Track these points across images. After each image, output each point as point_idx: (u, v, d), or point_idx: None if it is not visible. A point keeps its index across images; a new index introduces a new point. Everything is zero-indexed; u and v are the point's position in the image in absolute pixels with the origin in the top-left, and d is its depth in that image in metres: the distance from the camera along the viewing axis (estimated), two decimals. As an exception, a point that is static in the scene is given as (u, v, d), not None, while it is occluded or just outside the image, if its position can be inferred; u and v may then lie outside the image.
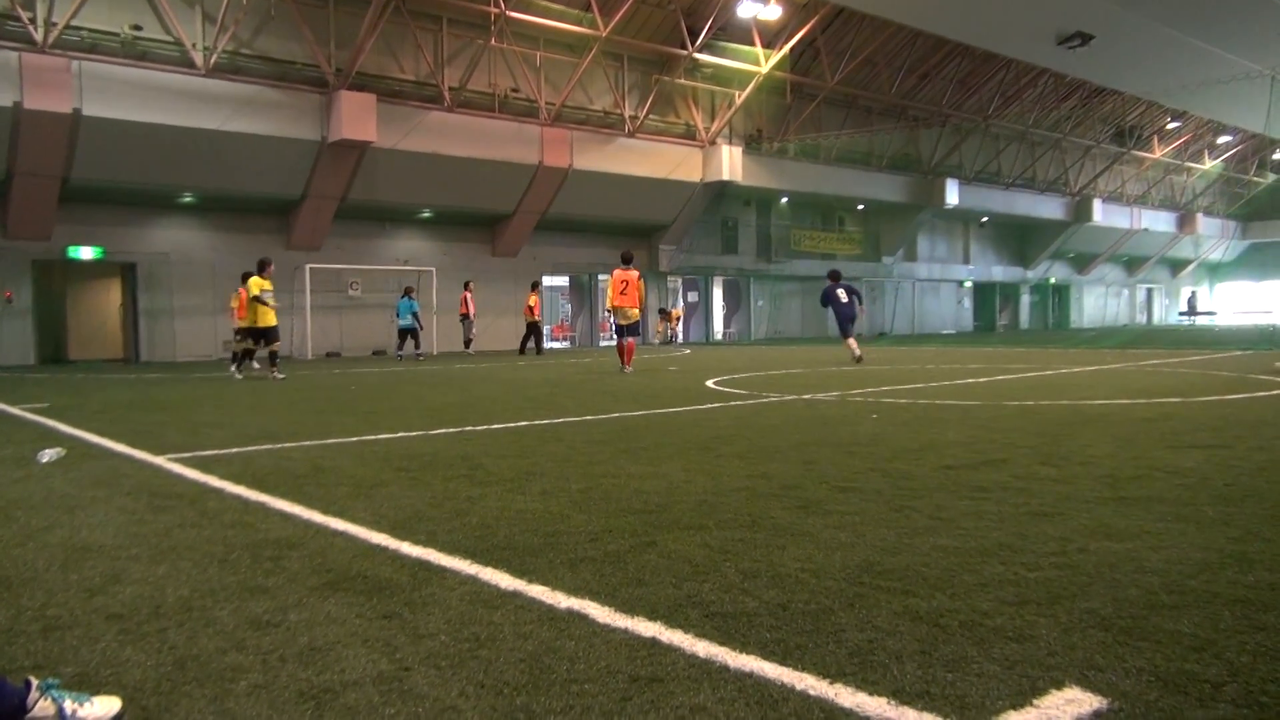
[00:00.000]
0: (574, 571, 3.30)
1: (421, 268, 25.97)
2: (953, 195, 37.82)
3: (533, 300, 23.54)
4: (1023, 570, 3.23)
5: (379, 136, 22.32)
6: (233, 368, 15.74)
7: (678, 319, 33.22)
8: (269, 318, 15.07)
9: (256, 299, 14.93)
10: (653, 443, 6.49)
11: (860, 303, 17.02)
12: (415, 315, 21.59)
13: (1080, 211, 44.91)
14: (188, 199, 22.88)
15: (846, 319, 16.64)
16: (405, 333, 21.59)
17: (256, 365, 17.38)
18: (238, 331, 17.12)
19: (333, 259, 24.58)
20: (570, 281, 24.22)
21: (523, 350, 23.77)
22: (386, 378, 14.85)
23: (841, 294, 16.76)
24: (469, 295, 24.13)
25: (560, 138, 26.41)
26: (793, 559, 3.41)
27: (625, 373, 15.12)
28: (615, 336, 15.82)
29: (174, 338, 23.07)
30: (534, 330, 23.65)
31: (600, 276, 31.75)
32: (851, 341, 16.72)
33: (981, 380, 12.21)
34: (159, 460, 6.02)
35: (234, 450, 6.46)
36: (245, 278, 15.79)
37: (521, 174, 25.90)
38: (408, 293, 21.86)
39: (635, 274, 15.71)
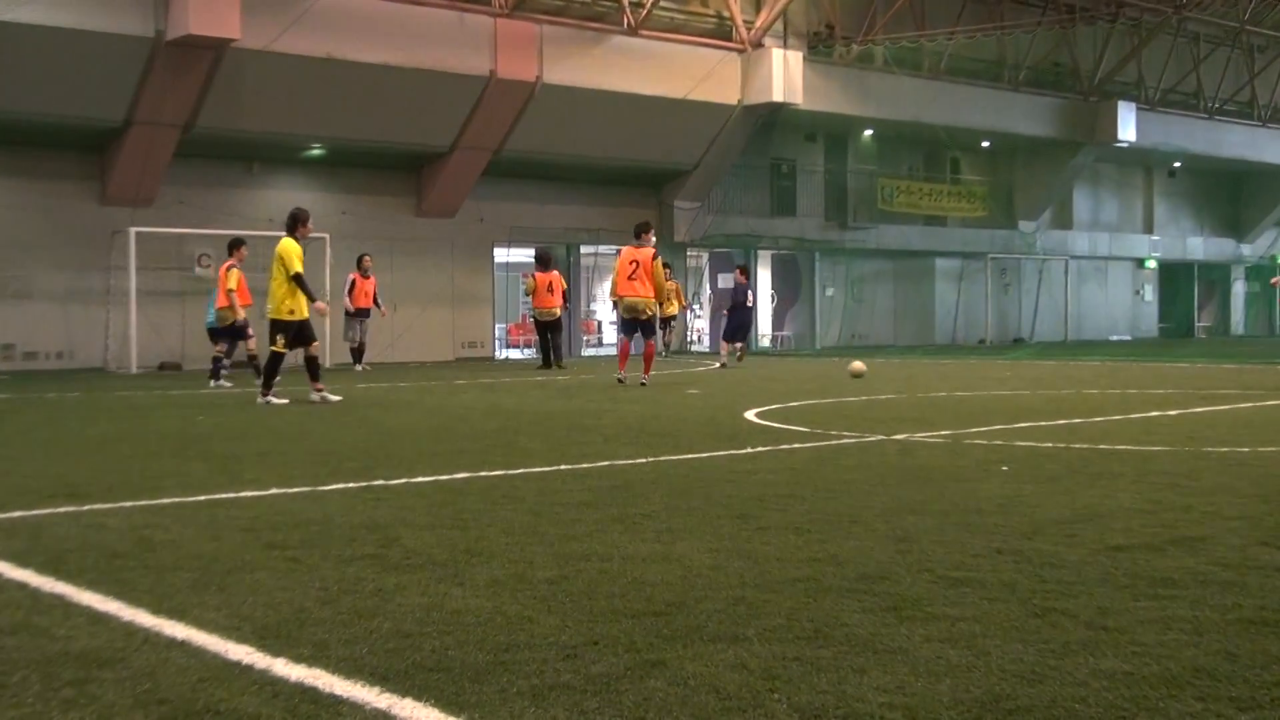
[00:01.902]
0: (539, 706, 3.29)
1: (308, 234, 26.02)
2: (1128, 128, 37.97)
3: (542, 282, 23.58)
4: (1232, 710, 3.22)
5: (244, 32, 22.44)
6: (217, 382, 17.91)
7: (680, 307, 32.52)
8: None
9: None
10: (662, 507, 6.48)
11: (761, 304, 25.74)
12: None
13: (1324, 153, 45.04)
14: (-53, 128, 23.00)
15: (745, 325, 25.05)
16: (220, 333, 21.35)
17: (227, 383, 18.53)
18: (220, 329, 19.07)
19: (171, 220, 24.67)
20: (538, 255, 24.26)
21: (548, 361, 23.90)
22: (251, 400, 14.85)
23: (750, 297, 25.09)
24: (358, 277, 24.18)
25: (524, 36, 26.56)
26: (876, 689, 3.39)
27: (625, 382, 16.61)
28: (619, 334, 17.23)
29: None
30: (552, 330, 23.99)
31: (587, 250, 31.87)
32: (734, 346, 24.48)
33: (1171, 413, 12.21)
34: (-98, 528, 6.02)
35: (17, 514, 6.44)
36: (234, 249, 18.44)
37: (463, 91, 26.03)
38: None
39: (650, 253, 17.10)
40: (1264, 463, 8.21)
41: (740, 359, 25.42)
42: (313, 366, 14.78)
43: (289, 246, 14.40)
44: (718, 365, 24.18)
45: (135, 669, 3.65)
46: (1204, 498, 6.63)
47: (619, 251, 15.88)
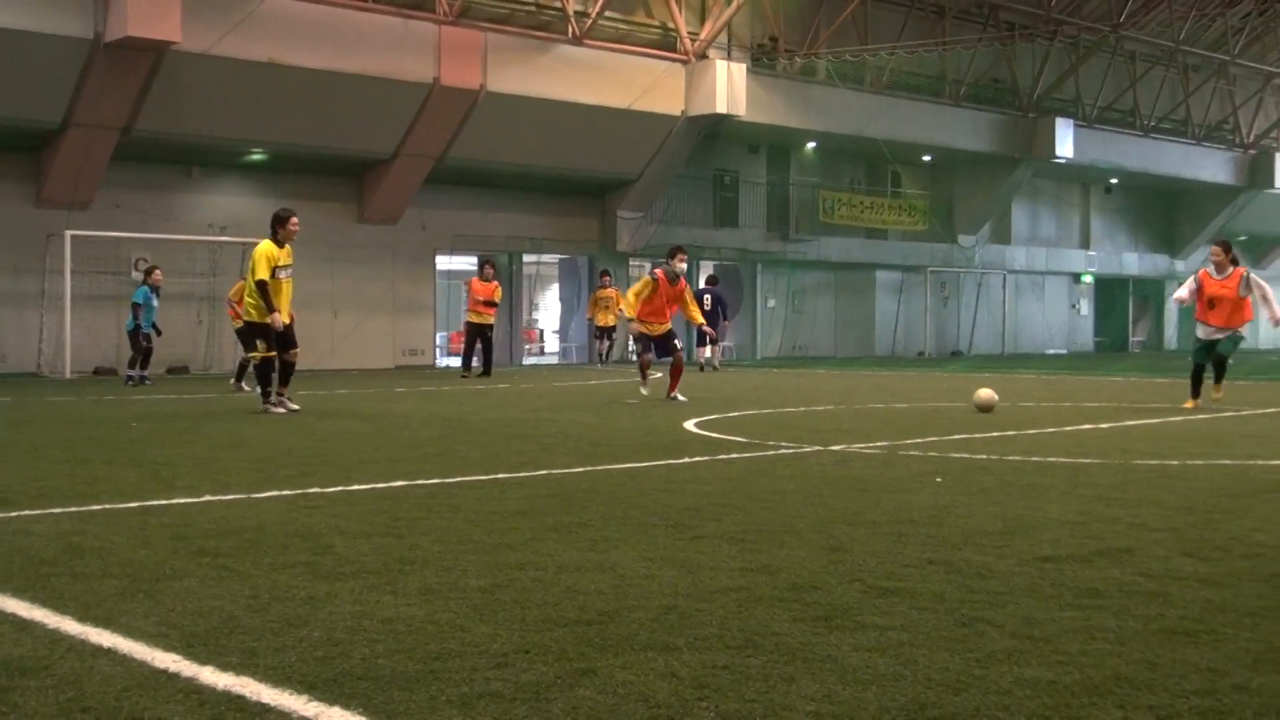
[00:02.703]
0: (468, 715, 3.28)
1: (249, 239, 25.80)
2: (1065, 144, 38.48)
3: (483, 289, 23.53)
4: (1151, 718, 3.28)
5: (185, 35, 22.24)
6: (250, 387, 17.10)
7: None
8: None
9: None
10: (598, 516, 6.50)
11: (725, 315, 27.30)
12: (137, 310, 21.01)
13: (1256, 172, 45.95)
14: (-121, 125, 22.63)
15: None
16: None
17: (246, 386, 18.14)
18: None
19: (108, 223, 24.39)
20: (481, 264, 24.23)
21: (468, 365, 23.88)
22: (190, 408, 14.71)
23: (708, 300, 25.60)
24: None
25: (468, 43, 26.52)
26: (804, 698, 3.42)
27: (673, 399, 15.83)
28: (639, 350, 16.76)
29: None
30: (482, 336, 23.77)
31: (530, 259, 31.83)
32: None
33: (1103, 426, 12.38)
34: None
35: (-57, 520, 6.36)
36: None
37: (407, 98, 25.95)
38: (148, 276, 21.44)
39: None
40: (1191, 476, 8.35)
41: (716, 366, 27.23)
42: (286, 373, 14.44)
43: (261, 250, 14.01)
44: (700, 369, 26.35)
45: (59, 677, 3.61)
46: (1131, 510, 6.73)
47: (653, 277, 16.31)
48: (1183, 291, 15.31)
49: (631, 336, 16.54)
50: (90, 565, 5.18)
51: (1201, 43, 41.64)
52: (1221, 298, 14.70)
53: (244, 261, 25.35)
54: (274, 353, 14.03)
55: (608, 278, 29.55)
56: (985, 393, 13.98)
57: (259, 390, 14.52)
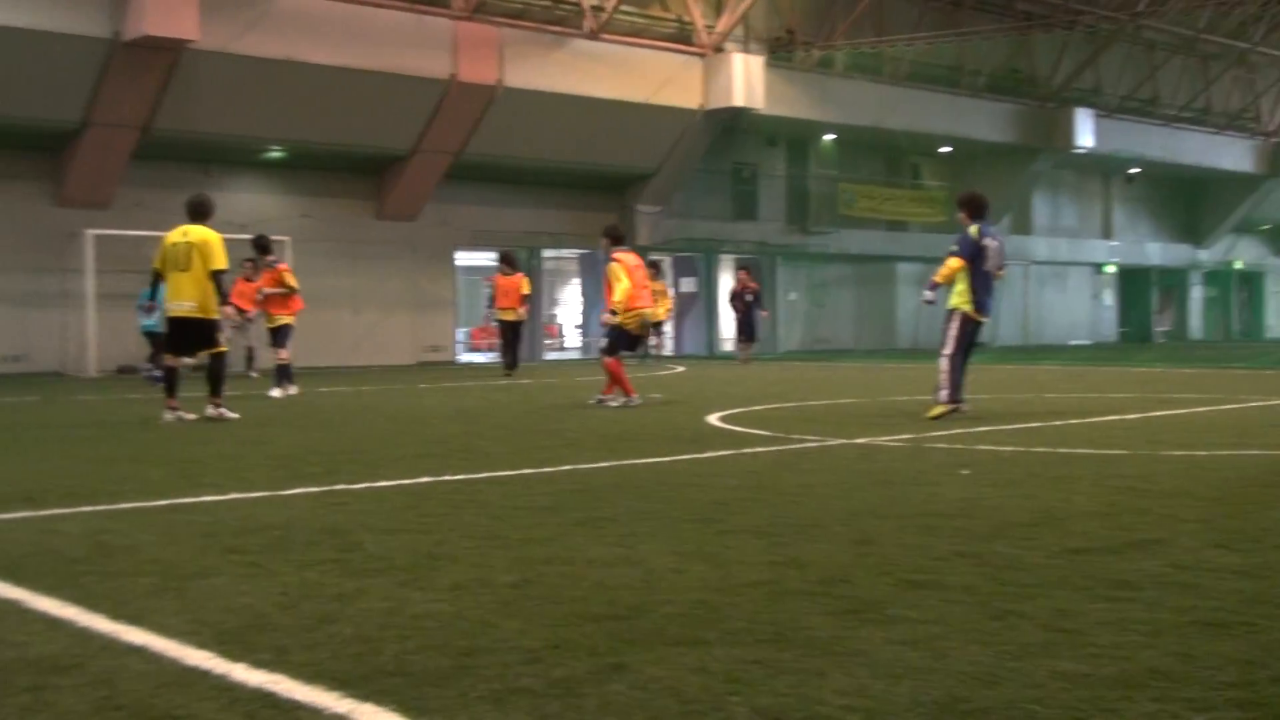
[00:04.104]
0: (500, 710, 3.28)
1: (269, 237, 25.85)
2: (1086, 134, 38.33)
3: (510, 283, 22.34)
4: (1188, 711, 3.25)
5: (202, 33, 22.31)
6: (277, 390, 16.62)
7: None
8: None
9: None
10: (625, 510, 6.49)
11: (760, 305, 27.85)
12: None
13: (1279, 160, 45.56)
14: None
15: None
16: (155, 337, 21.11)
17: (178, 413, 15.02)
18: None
19: (128, 223, 24.43)
20: (502, 259, 23.76)
21: (511, 364, 22.36)
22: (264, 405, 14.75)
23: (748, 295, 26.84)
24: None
25: (485, 39, 26.53)
26: (836, 692, 3.41)
27: (633, 403, 14.12)
28: (609, 350, 14.50)
29: (-122, 343, 22.86)
30: (514, 332, 22.65)
31: (549, 254, 31.73)
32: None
33: (1129, 417, 12.32)
34: None
35: (-28, 519, 6.40)
36: (260, 249, 17.40)
37: (424, 94, 25.97)
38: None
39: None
40: (1220, 466, 8.30)
41: (747, 360, 27.28)
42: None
43: (219, 239, 13.06)
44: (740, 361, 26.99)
45: (92, 675, 3.62)
46: (1161, 501, 6.69)
47: (613, 263, 14.18)
48: None
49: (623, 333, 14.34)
50: (120, 563, 5.20)
51: (1221, 30, 41.33)
52: None
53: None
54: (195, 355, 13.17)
55: (653, 270, 28.15)
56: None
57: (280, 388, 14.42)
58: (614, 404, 14.08)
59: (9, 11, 21.04)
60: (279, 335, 17.16)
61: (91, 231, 23.37)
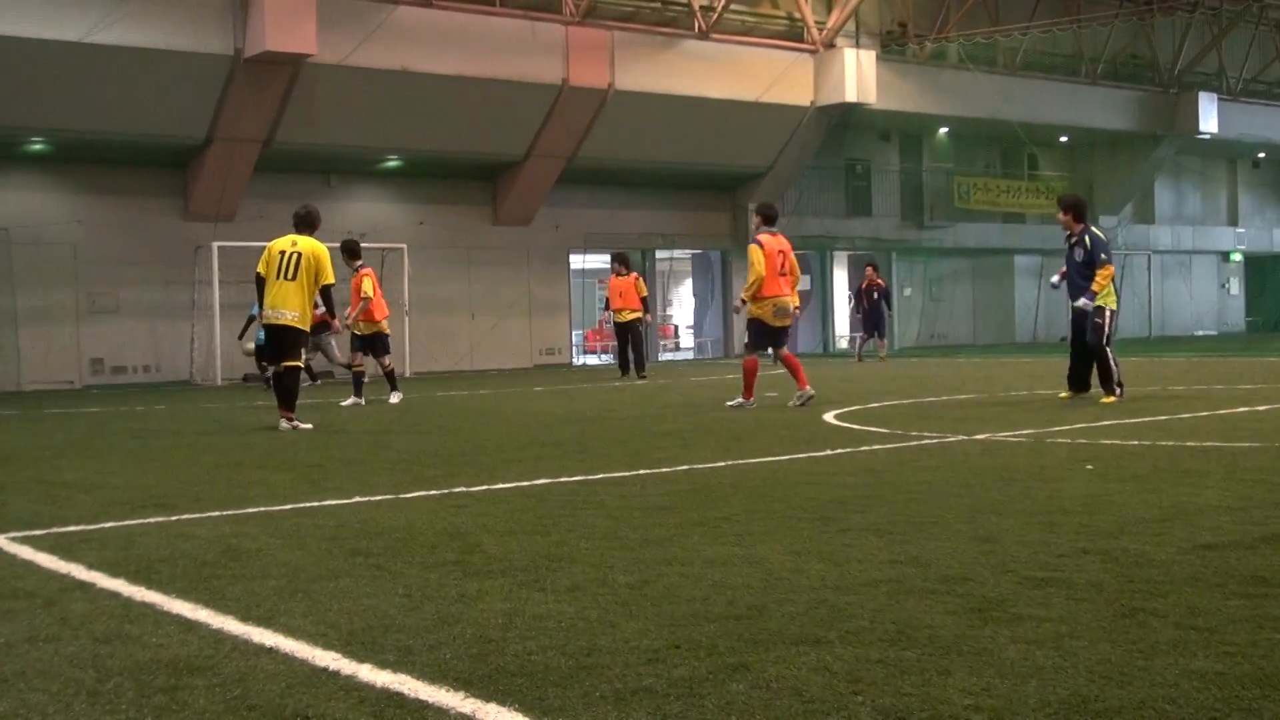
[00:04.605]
0: (622, 710, 3.30)
1: (387, 245, 26.34)
2: (1209, 119, 37.35)
3: (623, 284, 21.97)
4: (1329, 710, 3.17)
5: (320, 47, 22.75)
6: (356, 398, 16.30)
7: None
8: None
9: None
10: (742, 510, 6.48)
11: (889, 305, 27.96)
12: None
13: None
14: (36, 146, 23.50)
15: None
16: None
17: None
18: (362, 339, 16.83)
19: (252, 234, 24.88)
20: (615, 259, 23.49)
21: (625, 367, 22.19)
22: (336, 412, 15.02)
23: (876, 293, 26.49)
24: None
25: (595, 43, 26.66)
26: (961, 691, 3.37)
27: (747, 407, 13.64)
28: (750, 348, 14.04)
29: (18, 356, 23.68)
30: (631, 334, 22.08)
31: (662, 255, 31.71)
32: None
33: (1260, 409, 11.99)
34: (-2, 540, 6.17)
35: (109, 525, 6.57)
36: (349, 254, 16.51)
37: (537, 99, 26.18)
38: None
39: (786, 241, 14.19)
40: (1358, 458, 8.04)
41: (882, 356, 27.16)
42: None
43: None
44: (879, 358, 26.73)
45: (225, 675, 3.71)
46: (1296, 494, 6.51)
47: (753, 244, 13.53)
48: None
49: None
50: (249, 567, 5.32)
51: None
52: None
53: (387, 267, 25.95)
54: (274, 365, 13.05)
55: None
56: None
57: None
58: (730, 404, 13.93)
59: (136, 33, 21.65)
60: (378, 346, 16.57)
61: (217, 244, 23.93)
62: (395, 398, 16.61)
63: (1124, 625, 3.99)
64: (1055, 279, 14.08)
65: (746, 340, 14.11)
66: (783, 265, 13.60)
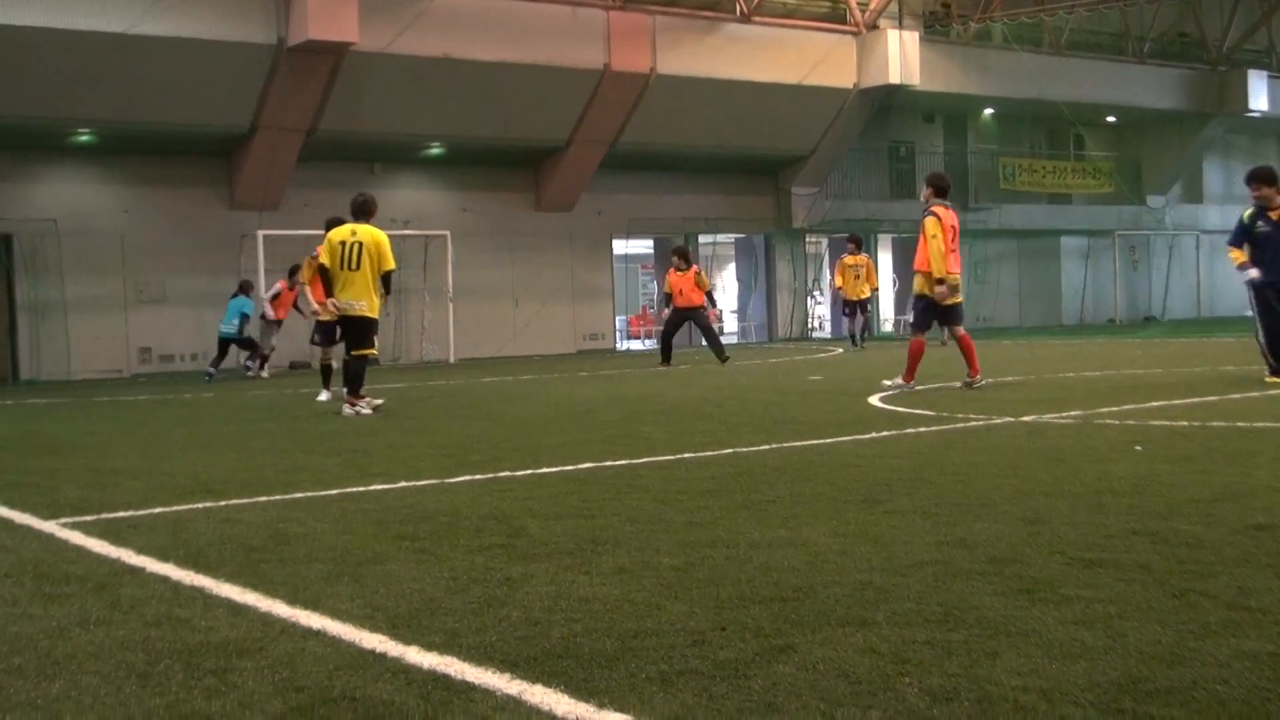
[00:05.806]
0: (668, 692, 3.30)
1: (430, 232, 26.43)
2: (1259, 97, 36.91)
3: (683, 279, 20.88)
4: (1385, 691, 3.12)
5: (363, 35, 22.84)
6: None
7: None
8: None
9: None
10: (787, 493, 6.47)
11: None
12: (245, 320, 22.36)
13: None
14: (83, 138, 23.75)
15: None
16: (226, 344, 22.31)
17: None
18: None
19: (296, 223, 25.11)
20: (674, 253, 22.62)
21: (667, 356, 21.09)
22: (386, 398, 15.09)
23: None
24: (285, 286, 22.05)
25: (637, 27, 26.63)
26: (1009, 672, 3.35)
27: (976, 384, 13.11)
28: (916, 327, 13.46)
29: (67, 345, 23.94)
30: (694, 321, 21.34)
31: (705, 240, 31.69)
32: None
33: (1312, 389, 11.84)
34: (49, 526, 6.23)
35: (158, 510, 6.64)
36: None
37: (578, 85, 26.18)
38: (243, 290, 22.62)
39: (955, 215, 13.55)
40: None
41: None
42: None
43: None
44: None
45: (273, 658, 3.74)
46: (1350, 474, 6.42)
47: (930, 215, 12.82)
48: None
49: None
50: (296, 551, 5.36)
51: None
52: None
53: (428, 254, 26.00)
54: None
55: (853, 244, 25.72)
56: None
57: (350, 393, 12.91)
58: (888, 384, 13.24)
59: (180, 23, 21.82)
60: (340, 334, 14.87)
61: (262, 232, 24.09)
62: (325, 396, 14.85)
63: (1174, 606, 3.96)
64: (1254, 273, 13.01)
65: (911, 320, 13.41)
66: (953, 240, 13.03)
